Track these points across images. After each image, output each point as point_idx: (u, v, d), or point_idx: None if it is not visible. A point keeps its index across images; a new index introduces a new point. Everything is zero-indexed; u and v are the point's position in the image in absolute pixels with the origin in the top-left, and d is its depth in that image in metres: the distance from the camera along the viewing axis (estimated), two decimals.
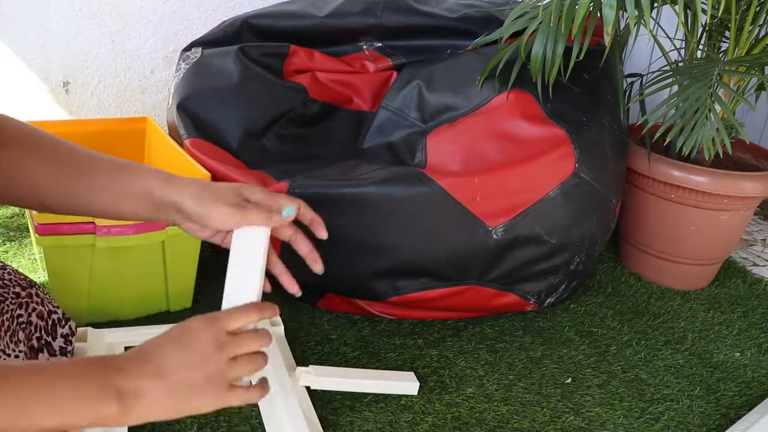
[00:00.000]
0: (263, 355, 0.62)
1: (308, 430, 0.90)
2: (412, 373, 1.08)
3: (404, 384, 1.06)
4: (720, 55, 1.41)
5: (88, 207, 0.70)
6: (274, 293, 1.30)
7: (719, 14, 1.28)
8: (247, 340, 0.61)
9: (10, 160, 0.67)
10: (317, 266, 0.75)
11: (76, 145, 0.71)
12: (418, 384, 1.06)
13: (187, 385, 0.57)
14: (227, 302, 0.67)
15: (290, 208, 0.70)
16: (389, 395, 1.05)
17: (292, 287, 0.74)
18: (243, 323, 0.62)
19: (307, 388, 1.01)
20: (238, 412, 0.98)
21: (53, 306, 0.97)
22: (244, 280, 0.68)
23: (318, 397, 1.02)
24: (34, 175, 0.68)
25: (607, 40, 1.09)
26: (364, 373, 1.07)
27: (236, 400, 0.60)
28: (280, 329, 1.11)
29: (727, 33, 1.39)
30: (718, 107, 1.28)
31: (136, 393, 0.56)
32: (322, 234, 0.74)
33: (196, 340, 0.59)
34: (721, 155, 1.26)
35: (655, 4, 1.33)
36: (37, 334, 0.93)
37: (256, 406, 0.98)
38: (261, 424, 0.97)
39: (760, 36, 1.35)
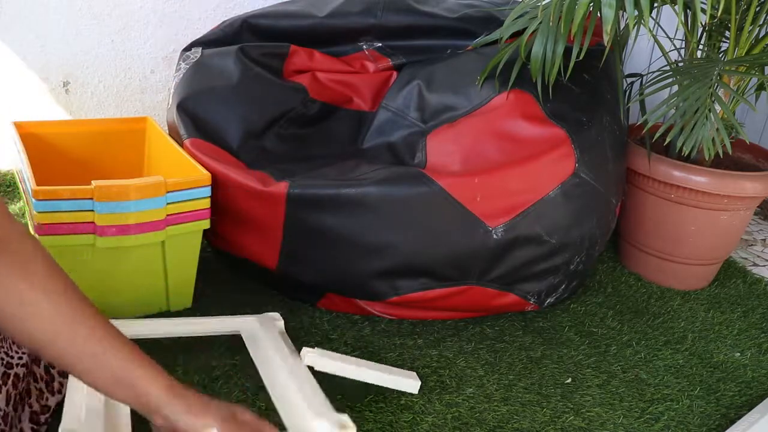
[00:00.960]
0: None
1: (317, 394, 0.90)
2: (414, 373, 1.08)
3: (405, 381, 1.06)
4: (720, 55, 1.41)
5: (85, 376, 0.67)
6: (275, 293, 1.30)
7: (719, 14, 1.28)
8: None
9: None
10: None
11: (94, 311, 0.67)
12: (419, 383, 1.06)
13: None
14: None
15: None
16: (389, 395, 1.05)
17: None
18: None
19: (311, 369, 1.00)
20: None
21: None
22: None
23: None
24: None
25: (607, 40, 1.09)
26: (368, 364, 1.07)
27: None
28: (281, 323, 1.11)
29: (727, 33, 1.39)
30: (718, 107, 1.28)
31: None
32: None
33: None
34: (721, 155, 1.26)
35: (655, 4, 1.33)
36: None
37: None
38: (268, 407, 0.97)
39: (760, 36, 1.35)
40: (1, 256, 0.60)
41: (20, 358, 0.85)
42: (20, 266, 0.61)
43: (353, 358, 1.09)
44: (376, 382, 1.05)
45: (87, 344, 0.64)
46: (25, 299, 0.61)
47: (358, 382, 1.06)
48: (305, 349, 1.01)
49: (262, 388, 1.02)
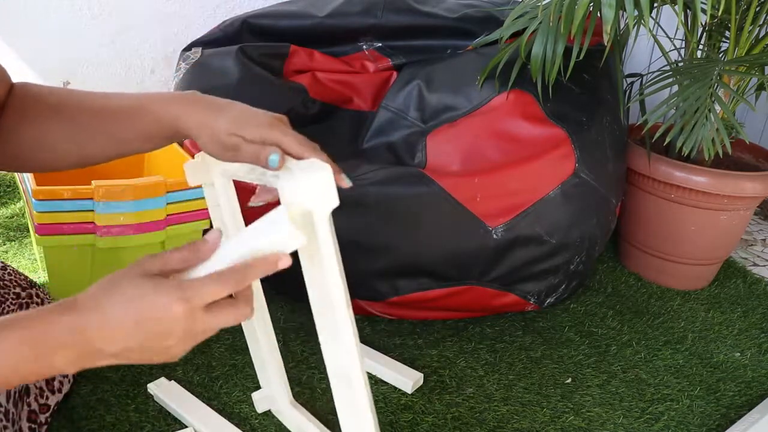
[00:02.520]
0: (246, 307, 0.54)
1: None
2: (421, 374, 1.09)
3: (399, 377, 1.07)
4: (720, 55, 1.41)
5: (117, 155, 0.69)
6: (275, 293, 1.30)
7: (719, 14, 1.28)
8: (225, 316, 0.53)
9: (32, 133, 0.67)
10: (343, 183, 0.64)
11: (92, 96, 0.70)
12: (412, 383, 1.06)
13: (147, 357, 0.53)
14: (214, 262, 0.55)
15: (274, 158, 0.61)
16: (389, 396, 1.05)
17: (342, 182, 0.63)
18: (229, 293, 0.53)
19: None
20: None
21: None
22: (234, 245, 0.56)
23: (318, 398, 1.02)
24: (58, 145, 0.67)
25: (607, 40, 1.09)
26: (369, 352, 1.08)
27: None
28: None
29: (727, 33, 1.39)
30: (718, 107, 1.28)
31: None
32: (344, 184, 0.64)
33: (167, 327, 0.51)
34: (721, 155, 1.26)
35: (655, 4, 1.33)
36: None
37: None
38: (261, 424, 0.97)
39: (760, 36, 1.35)
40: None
41: None
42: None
43: (362, 345, 1.11)
44: (370, 371, 1.07)
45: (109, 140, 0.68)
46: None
47: None
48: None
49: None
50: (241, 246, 0.54)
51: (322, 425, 0.94)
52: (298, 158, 0.61)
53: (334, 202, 0.59)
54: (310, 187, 0.57)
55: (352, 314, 0.65)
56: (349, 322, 0.64)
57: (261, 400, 0.98)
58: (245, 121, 0.63)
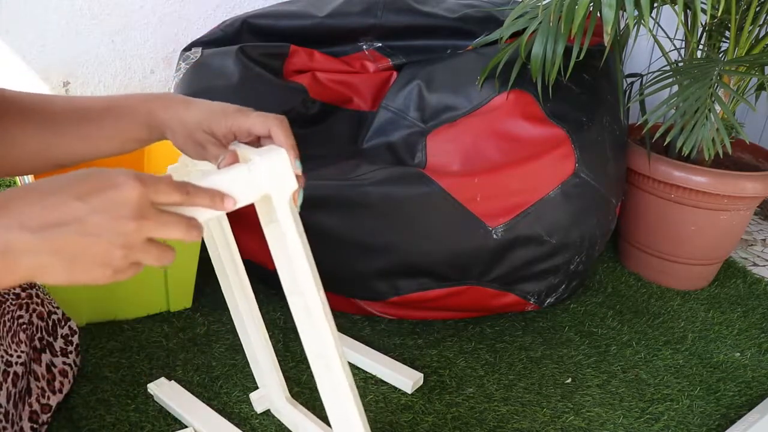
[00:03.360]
0: (173, 250, 0.50)
1: None
2: (421, 374, 1.09)
3: (399, 377, 1.07)
4: (720, 55, 1.41)
5: (90, 157, 0.69)
6: (275, 293, 1.30)
7: (719, 14, 1.28)
8: (173, 227, 0.49)
9: (3, 133, 0.66)
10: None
11: (65, 99, 0.69)
12: (412, 383, 1.06)
13: (81, 250, 0.45)
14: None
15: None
16: (389, 396, 1.05)
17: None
18: (176, 201, 0.50)
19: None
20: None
21: (53, 306, 0.97)
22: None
23: (318, 397, 1.02)
24: (27, 147, 0.67)
25: (607, 40, 1.09)
26: (369, 352, 1.08)
27: (126, 277, 0.48)
28: None
29: (727, 33, 1.39)
30: (718, 107, 1.28)
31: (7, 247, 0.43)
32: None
33: (117, 202, 0.45)
34: (721, 155, 1.26)
35: (655, 4, 1.33)
36: (39, 335, 0.93)
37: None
38: (261, 424, 0.97)
39: (760, 36, 1.35)
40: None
41: (19, 356, 0.85)
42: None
43: (362, 345, 1.12)
44: (370, 371, 1.07)
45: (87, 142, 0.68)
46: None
47: (359, 382, 1.07)
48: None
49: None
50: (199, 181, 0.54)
51: (319, 420, 0.94)
52: (264, 135, 0.63)
53: (293, 185, 0.61)
54: (268, 171, 0.59)
55: (324, 296, 0.66)
56: (319, 304, 0.66)
57: (259, 400, 0.99)
58: (215, 113, 0.64)
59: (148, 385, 1.00)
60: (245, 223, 1.19)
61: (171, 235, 0.49)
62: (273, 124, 0.62)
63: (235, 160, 0.61)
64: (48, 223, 0.44)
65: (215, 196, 0.53)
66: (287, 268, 0.65)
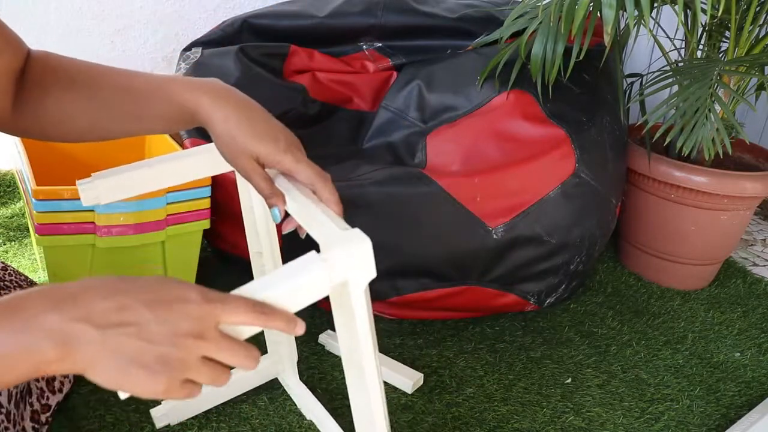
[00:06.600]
0: (228, 374, 0.50)
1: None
2: (421, 374, 1.09)
3: (399, 377, 1.07)
4: (720, 55, 1.41)
5: (136, 132, 0.70)
6: None
7: (719, 14, 1.28)
8: (233, 352, 0.49)
9: (52, 105, 0.67)
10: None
11: (113, 72, 0.69)
12: (412, 383, 1.06)
13: (135, 352, 0.45)
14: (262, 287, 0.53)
15: (275, 213, 0.68)
16: (389, 396, 1.05)
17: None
18: (249, 323, 0.50)
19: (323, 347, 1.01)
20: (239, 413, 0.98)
21: None
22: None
23: (319, 397, 1.02)
24: (77, 118, 0.67)
25: (607, 40, 1.09)
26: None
27: (179, 396, 0.48)
28: None
29: (727, 33, 1.39)
30: (718, 107, 1.28)
31: (69, 336, 0.44)
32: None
33: (180, 316, 0.46)
34: (721, 155, 1.26)
35: (655, 4, 1.33)
36: None
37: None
38: (261, 424, 0.97)
39: (760, 36, 1.35)
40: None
41: None
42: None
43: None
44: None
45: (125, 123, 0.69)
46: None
47: None
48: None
49: (263, 387, 1.02)
50: (273, 284, 0.52)
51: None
52: (306, 186, 0.65)
53: (372, 274, 0.59)
54: (346, 260, 0.57)
55: (380, 367, 0.66)
56: (376, 379, 0.65)
57: (160, 418, 0.94)
58: (262, 138, 0.67)
59: None
60: (240, 221, 1.19)
61: (227, 361, 0.49)
62: (318, 181, 0.65)
63: (295, 223, 0.63)
64: (113, 323, 0.45)
65: (291, 322, 0.51)
66: (350, 342, 0.64)
